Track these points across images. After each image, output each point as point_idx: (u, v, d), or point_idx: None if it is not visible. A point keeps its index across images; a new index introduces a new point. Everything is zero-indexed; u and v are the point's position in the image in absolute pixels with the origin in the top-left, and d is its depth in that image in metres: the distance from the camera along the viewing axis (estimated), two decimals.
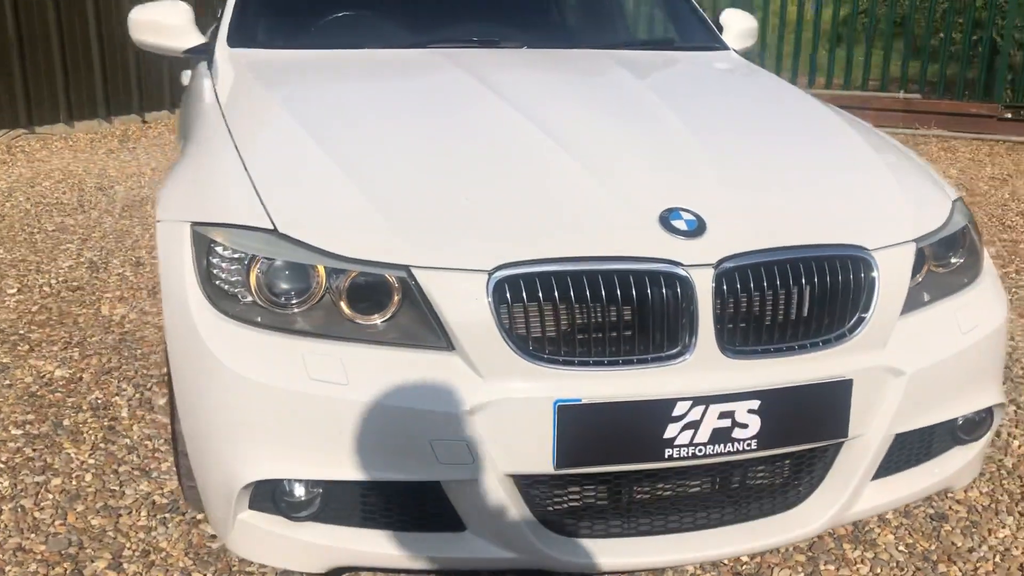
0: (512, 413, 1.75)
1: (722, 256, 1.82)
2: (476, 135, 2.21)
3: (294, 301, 1.84)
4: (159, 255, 2.05)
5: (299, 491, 1.86)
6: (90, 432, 2.84)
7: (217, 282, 1.90)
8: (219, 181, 2.07)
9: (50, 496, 2.49)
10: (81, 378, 3.21)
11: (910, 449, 2.11)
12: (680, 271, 1.80)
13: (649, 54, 3.17)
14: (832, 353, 1.89)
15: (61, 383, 3.17)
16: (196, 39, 3.05)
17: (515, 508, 1.82)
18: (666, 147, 2.16)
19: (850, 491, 1.99)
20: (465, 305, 1.75)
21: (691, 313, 1.79)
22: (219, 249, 1.91)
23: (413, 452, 1.77)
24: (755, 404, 1.82)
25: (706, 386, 1.80)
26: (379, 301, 1.82)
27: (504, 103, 2.36)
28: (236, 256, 1.88)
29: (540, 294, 1.76)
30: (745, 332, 1.84)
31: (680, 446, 1.81)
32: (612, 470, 1.83)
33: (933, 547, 2.32)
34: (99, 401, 3.04)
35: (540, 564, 1.86)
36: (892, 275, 1.95)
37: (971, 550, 2.31)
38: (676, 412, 1.78)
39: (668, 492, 1.93)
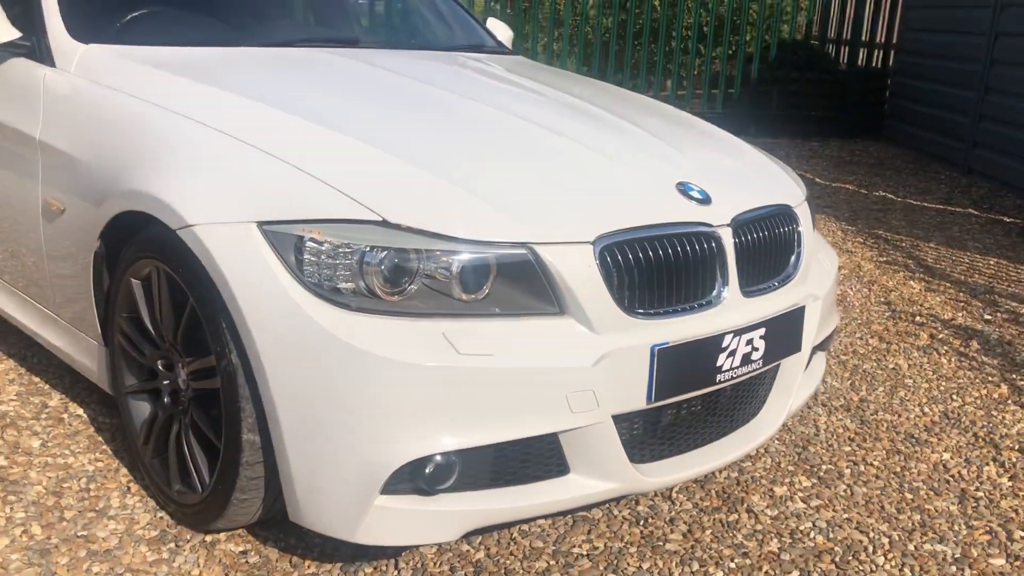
0: (621, 361, 2.05)
1: (731, 217, 2.29)
2: (474, 125, 2.42)
3: (411, 286, 1.94)
4: (203, 262, 1.99)
5: (440, 464, 1.96)
6: None
7: (317, 277, 1.92)
8: (262, 176, 2.05)
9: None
10: None
11: (808, 359, 2.76)
12: (713, 230, 2.23)
13: (485, 56, 3.51)
14: (790, 287, 2.46)
15: None
16: (9, 33, 2.74)
17: (614, 444, 2.11)
18: (625, 136, 2.56)
19: (792, 394, 2.57)
20: (579, 272, 2.01)
21: (723, 263, 2.24)
22: (316, 245, 1.93)
23: (551, 407, 1.98)
24: (763, 331, 2.31)
25: (737, 320, 2.25)
26: (478, 278, 1.99)
27: (470, 100, 2.59)
28: (343, 250, 1.93)
29: (630, 257, 2.08)
30: (750, 276, 2.32)
31: (724, 371, 2.24)
32: (682, 398, 2.21)
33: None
34: None
35: (634, 489, 2.17)
36: (807, 226, 2.57)
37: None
38: (723, 344, 2.22)
39: (704, 411, 2.35)
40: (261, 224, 1.98)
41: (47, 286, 2.69)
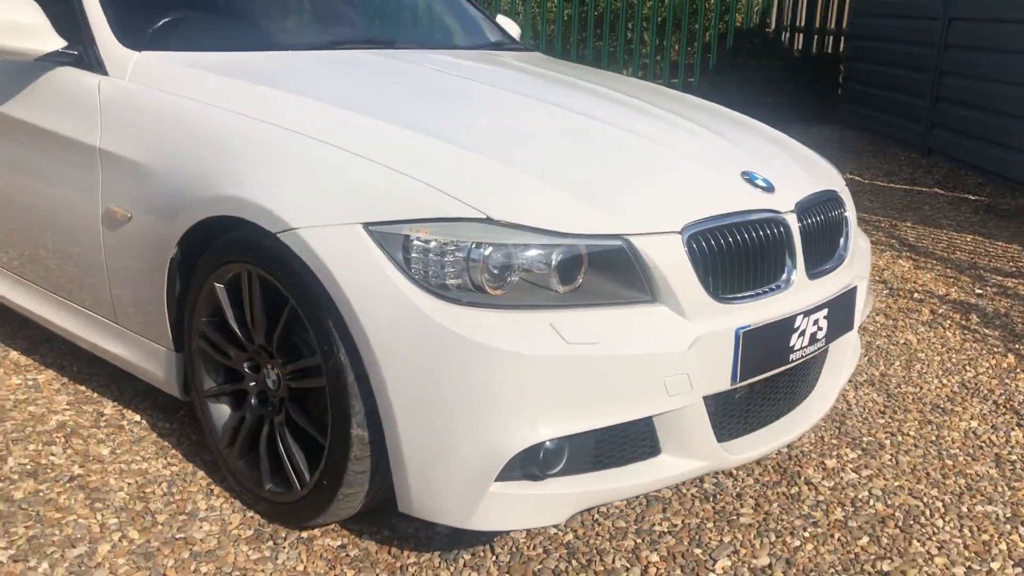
0: (710, 344, 2.15)
1: (795, 203, 2.41)
2: (543, 122, 2.50)
3: (512, 279, 2.02)
4: (308, 263, 2.05)
5: (550, 450, 2.05)
6: None
7: (426, 274, 1.99)
8: (362, 179, 2.10)
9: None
10: None
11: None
12: (782, 216, 2.35)
13: (512, 53, 3.58)
14: (843, 268, 2.58)
15: None
16: (56, 42, 2.74)
17: (704, 424, 2.21)
18: (679, 128, 2.66)
19: (843, 371, 2.71)
20: (671, 261, 2.11)
21: (792, 248, 2.36)
22: (423, 244, 2.00)
23: (651, 391, 2.08)
24: (826, 312, 2.43)
25: (805, 302, 2.37)
26: (575, 270, 2.08)
27: (530, 98, 2.67)
28: (450, 247, 2.00)
29: (713, 245, 2.18)
30: (812, 259, 2.44)
31: (796, 351, 2.36)
32: (761, 377, 2.32)
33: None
34: None
35: (720, 466, 2.28)
36: (851, 209, 2.71)
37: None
38: (795, 325, 2.33)
39: (771, 390, 2.47)
40: (367, 225, 2.04)
41: (105, 294, 2.70)
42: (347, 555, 2.27)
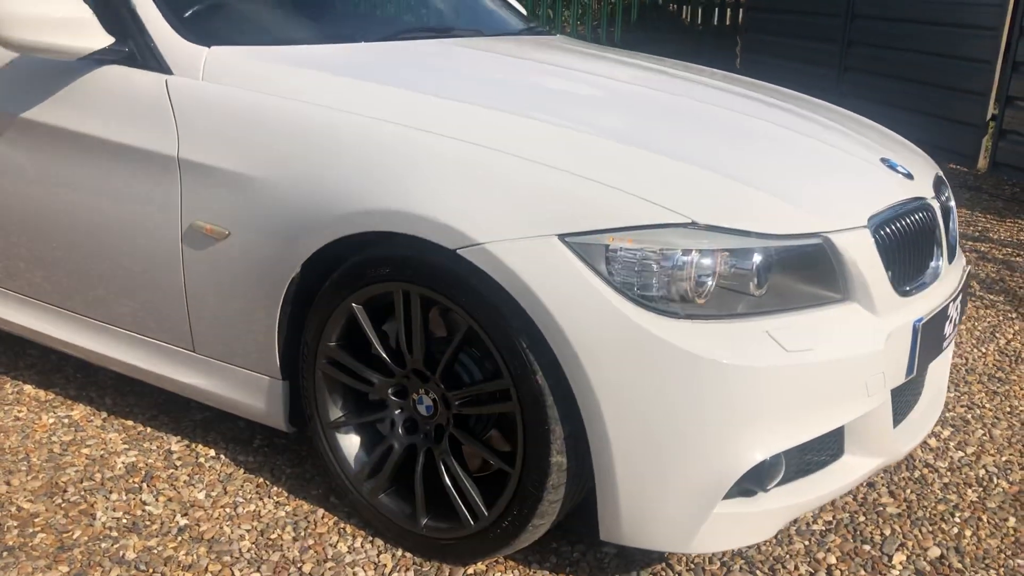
0: (897, 339, 2.10)
1: (934, 191, 2.39)
2: (683, 114, 2.38)
3: (715, 286, 1.91)
4: (497, 280, 1.88)
5: (770, 465, 1.95)
6: None
7: (634, 286, 1.86)
8: (546, 187, 1.93)
9: None
10: None
11: None
12: (930, 203, 2.32)
13: (549, 37, 3.42)
14: (959, 254, 2.59)
15: None
16: (104, 39, 2.42)
17: (887, 420, 2.17)
18: (800, 117, 2.59)
19: (950, 357, 2.72)
20: (864, 256, 2.04)
21: (938, 234, 2.33)
22: (629, 254, 1.87)
23: (856, 393, 2.01)
24: (960, 298, 2.43)
25: (951, 287, 2.36)
26: (773, 272, 1.97)
27: (647, 89, 2.53)
28: (656, 256, 1.87)
29: (886, 237, 2.13)
30: (948, 246, 2.43)
31: (947, 338, 2.35)
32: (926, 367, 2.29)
33: None
34: None
35: (893, 460, 2.24)
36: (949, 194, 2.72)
37: None
38: (948, 313, 2.32)
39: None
40: (563, 236, 1.88)
41: (181, 320, 2.42)
42: None
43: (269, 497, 2.42)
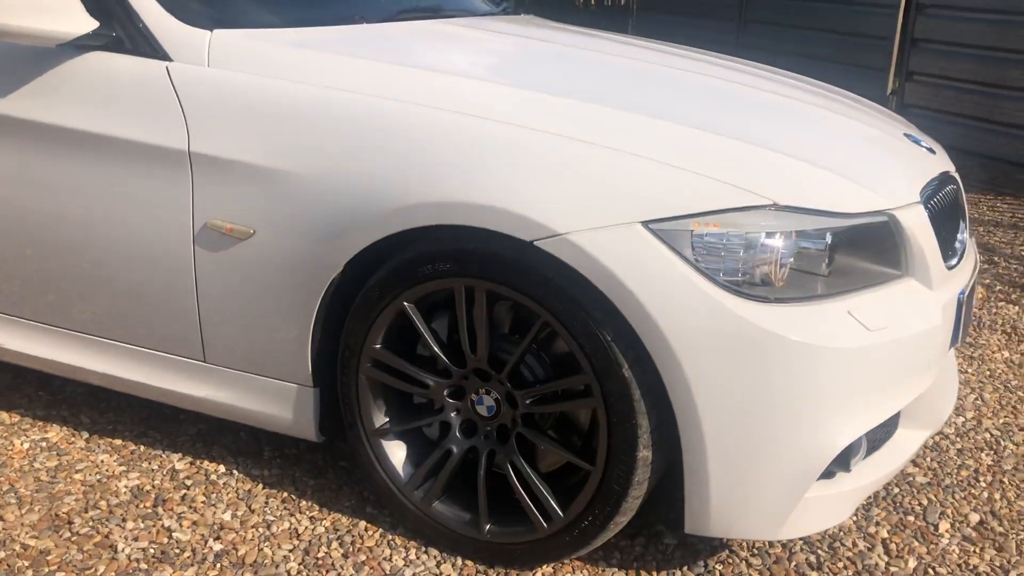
0: (946, 313, 2.13)
1: (953, 166, 2.43)
2: (730, 97, 2.34)
3: (793, 267, 1.88)
4: (581, 271, 1.80)
5: (854, 445, 1.95)
6: None
7: (722, 271, 1.82)
8: (621, 173, 1.86)
9: None
10: None
11: None
12: (954, 176, 2.36)
13: (526, 17, 3.32)
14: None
15: None
16: (87, 22, 2.20)
17: (932, 390, 2.19)
18: (816, 95, 2.59)
19: None
20: (923, 232, 2.05)
21: (962, 208, 2.38)
22: (715, 239, 1.82)
23: (922, 369, 2.03)
24: (976, 271, 2.49)
25: (972, 263, 2.40)
26: (843, 251, 1.96)
27: (675, 70, 2.48)
28: (742, 240, 1.83)
29: (933, 211, 2.15)
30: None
31: (970, 312, 2.40)
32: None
33: None
34: None
35: (938, 428, 2.27)
36: None
37: None
38: (972, 285, 2.36)
39: None
40: (647, 223, 1.81)
41: (190, 327, 2.23)
42: None
43: (301, 512, 2.27)
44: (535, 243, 1.83)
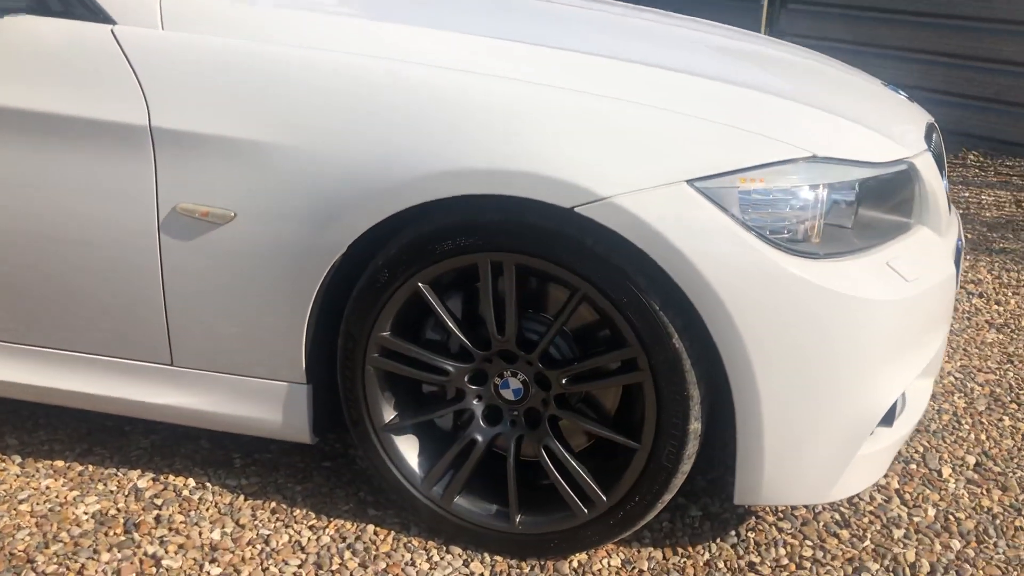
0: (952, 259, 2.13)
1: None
2: (731, 53, 2.26)
3: (831, 219, 1.82)
4: (627, 237, 1.68)
5: (902, 396, 1.92)
6: None
7: (770, 227, 1.74)
8: (657, 130, 1.74)
9: None
10: None
11: None
12: (935, 125, 2.36)
13: None
14: None
15: None
16: None
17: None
18: (793, 55, 2.54)
19: None
20: (934, 179, 2.04)
21: (944, 158, 2.39)
22: (761, 195, 1.74)
23: (944, 316, 2.02)
24: None
25: (955, 213, 2.42)
26: (869, 201, 1.91)
27: (667, 26, 2.39)
28: (786, 194, 1.75)
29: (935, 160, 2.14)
30: None
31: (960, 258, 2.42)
32: None
33: None
34: None
35: (936, 375, 2.28)
36: None
37: None
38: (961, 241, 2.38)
39: None
40: (692, 182, 1.70)
41: (154, 328, 1.98)
42: (638, 570, 1.94)
43: (297, 523, 2.05)
44: (576, 209, 1.69)
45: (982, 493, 2.24)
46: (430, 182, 1.73)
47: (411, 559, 1.94)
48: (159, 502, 2.11)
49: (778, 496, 1.84)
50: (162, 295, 1.95)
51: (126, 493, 2.14)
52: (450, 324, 1.85)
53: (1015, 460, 2.38)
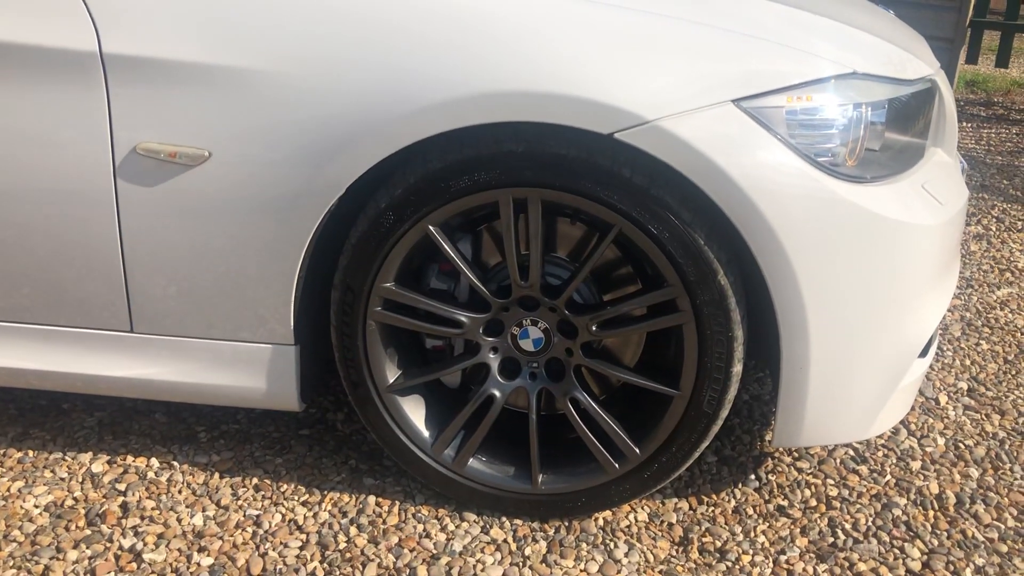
0: None
1: None
2: None
3: (880, 141, 1.71)
4: (670, 163, 1.52)
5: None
6: None
7: (815, 149, 1.61)
8: (709, 47, 1.57)
9: None
10: None
11: None
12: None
13: None
14: None
15: None
16: None
17: None
18: None
19: None
20: (949, 99, 1.96)
21: None
22: (808, 114, 1.61)
23: (960, 244, 1.95)
24: None
25: None
26: (900, 120, 1.81)
27: None
28: (831, 113, 1.62)
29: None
30: None
31: None
32: None
33: None
34: None
35: None
36: None
37: None
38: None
39: None
40: (738, 102, 1.55)
41: (109, 293, 1.72)
42: (667, 523, 1.82)
43: (287, 499, 1.84)
44: (615, 135, 1.51)
45: (983, 418, 2.21)
46: (446, 109, 1.52)
47: (424, 530, 1.76)
48: (121, 487, 1.86)
49: (820, 436, 1.74)
50: (120, 252, 1.68)
51: (80, 479, 1.88)
52: (466, 270, 1.66)
53: (1004, 384, 2.37)
